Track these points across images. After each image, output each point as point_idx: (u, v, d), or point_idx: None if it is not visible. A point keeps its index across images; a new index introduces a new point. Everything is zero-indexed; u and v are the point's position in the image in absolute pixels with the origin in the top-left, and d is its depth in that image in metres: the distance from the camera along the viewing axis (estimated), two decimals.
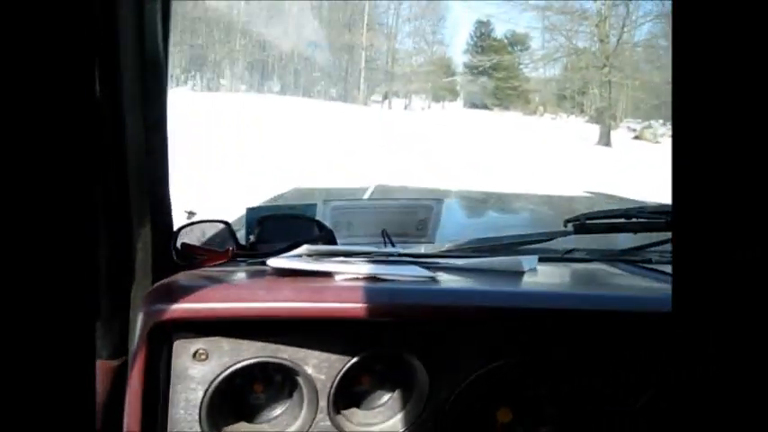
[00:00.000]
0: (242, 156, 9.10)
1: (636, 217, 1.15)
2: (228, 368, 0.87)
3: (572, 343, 0.93)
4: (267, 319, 0.85)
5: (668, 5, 22.70)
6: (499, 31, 44.54)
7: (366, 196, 2.05)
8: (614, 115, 27.39)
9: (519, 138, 21.72)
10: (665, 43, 22.22)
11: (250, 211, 1.10)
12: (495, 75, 38.64)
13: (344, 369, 0.90)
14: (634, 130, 29.70)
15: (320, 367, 0.89)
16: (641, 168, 14.51)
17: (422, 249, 1.18)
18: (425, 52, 45.29)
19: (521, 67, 42.42)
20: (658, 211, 1.14)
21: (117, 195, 0.85)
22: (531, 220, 2.19)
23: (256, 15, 34.83)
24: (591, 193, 2.46)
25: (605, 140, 22.12)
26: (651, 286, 1.04)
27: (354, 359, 0.90)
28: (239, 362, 0.87)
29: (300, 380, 0.90)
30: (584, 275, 1.15)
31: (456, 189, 4.47)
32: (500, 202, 2.54)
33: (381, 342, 0.91)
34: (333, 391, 0.90)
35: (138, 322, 0.82)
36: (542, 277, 1.07)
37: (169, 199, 0.94)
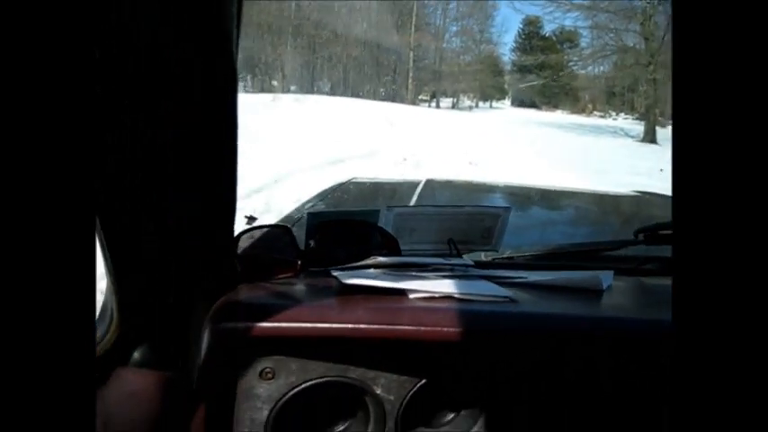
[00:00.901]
0: (292, 152, 9.24)
1: None
2: (295, 387, 0.84)
3: (646, 365, 0.87)
4: (337, 339, 0.81)
5: None
6: (547, 28, 44.05)
7: (417, 190, 2.00)
8: (660, 112, 26.77)
9: (564, 134, 21.52)
10: None
11: (311, 215, 1.05)
12: (543, 73, 38.00)
13: (414, 390, 0.86)
14: None
15: (389, 387, 0.85)
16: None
17: (486, 257, 1.14)
18: (473, 51, 45.23)
19: (569, 64, 41.68)
20: None
21: (180, 199, 0.81)
22: (583, 220, 2.14)
23: (306, 18, 35.19)
24: (640, 192, 2.43)
25: (650, 137, 21.70)
26: None
27: (424, 380, 0.86)
28: (306, 381, 0.84)
29: (368, 400, 0.87)
30: (660, 293, 1.06)
31: (504, 184, 4.38)
32: (551, 199, 2.46)
33: (453, 364, 0.87)
34: (401, 411, 0.87)
35: (204, 338, 0.79)
36: (621, 296, 1.01)
37: (234, 204, 0.87)
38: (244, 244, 0.97)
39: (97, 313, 0.88)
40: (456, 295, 0.88)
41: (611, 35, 25.52)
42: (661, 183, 10.03)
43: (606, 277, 1.00)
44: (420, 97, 42.17)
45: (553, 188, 2.60)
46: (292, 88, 33.11)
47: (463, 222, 1.14)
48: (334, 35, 36.69)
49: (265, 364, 0.83)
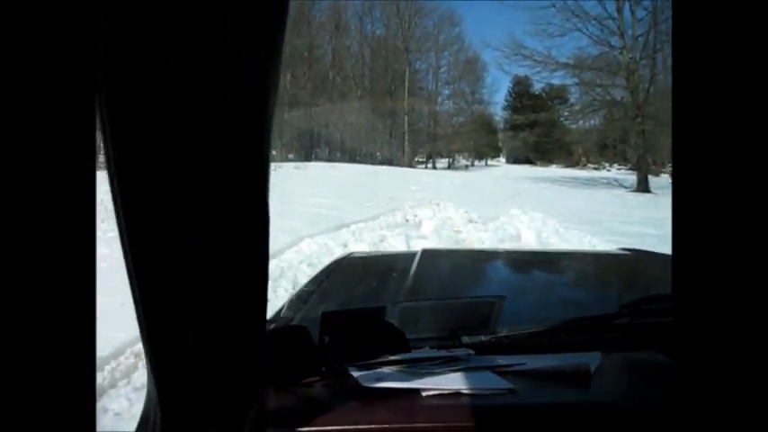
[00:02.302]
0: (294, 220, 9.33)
1: None
2: None
3: None
4: None
5: None
6: (536, 86, 44.75)
7: (415, 262, 2.08)
8: (651, 162, 27.03)
9: (559, 188, 21.71)
10: None
11: (325, 315, 1.14)
12: (536, 129, 38.49)
13: None
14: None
15: None
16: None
17: (485, 338, 1.23)
18: (465, 112, 46.06)
19: (560, 119, 42.19)
20: None
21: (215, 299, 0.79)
22: (574, 284, 2.22)
23: (302, 87, 35.90)
24: (627, 250, 2.70)
25: (644, 186, 21.89)
26: None
27: None
28: None
29: None
30: (646, 370, 1.14)
31: (502, 249, 4.53)
32: (543, 262, 2.57)
33: None
34: None
35: None
36: (609, 378, 1.09)
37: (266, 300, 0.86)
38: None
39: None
40: (463, 390, 0.97)
41: (599, 90, 25.97)
42: (655, 230, 10.09)
43: (593, 360, 1.08)
44: (416, 159, 42.68)
45: (543, 251, 2.78)
46: (290, 156, 33.49)
47: (462, 312, 1.27)
48: (330, 103, 37.38)
49: None
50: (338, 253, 6.70)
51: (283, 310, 1.56)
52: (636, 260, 2.45)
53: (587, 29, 24.69)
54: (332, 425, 0.88)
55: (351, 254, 2.56)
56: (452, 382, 1.00)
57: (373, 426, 0.88)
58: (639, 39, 23.81)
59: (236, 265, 0.74)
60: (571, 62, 25.82)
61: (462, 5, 59.39)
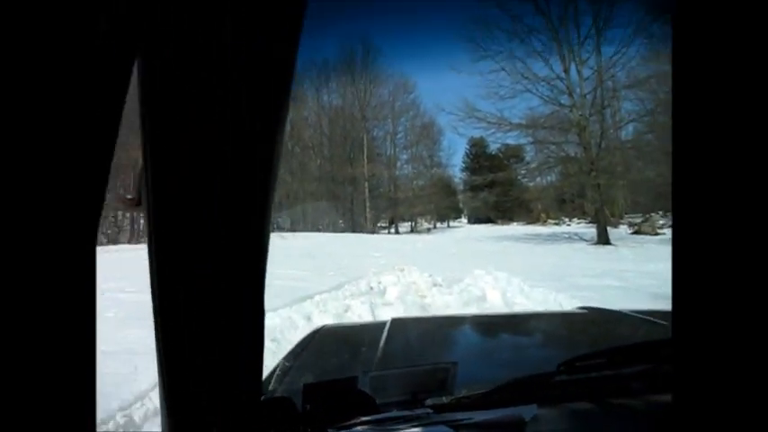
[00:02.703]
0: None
1: (618, 356, 1.39)
2: None
3: None
4: None
5: (649, 104, 23.59)
6: (492, 147, 45.88)
7: (385, 331, 2.27)
8: (609, 214, 27.61)
9: (522, 245, 21.88)
10: (653, 139, 22.80)
11: (307, 386, 1.25)
12: (494, 189, 39.16)
13: None
14: (634, 225, 29.99)
15: None
16: (638, 261, 14.98)
17: (445, 399, 1.39)
18: (425, 175, 46.64)
19: (518, 178, 43.21)
20: (636, 350, 1.42)
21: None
22: (532, 343, 2.49)
23: None
24: (585, 308, 3.01)
25: (604, 239, 22.21)
26: None
27: None
28: None
29: None
30: (576, 417, 1.31)
31: (460, 315, 4.76)
32: (502, 324, 2.85)
33: None
34: None
35: None
36: (542, 424, 1.24)
37: (261, 375, 0.95)
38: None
39: None
40: None
41: (553, 147, 26.58)
42: (618, 282, 10.16)
43: (529, 411, 1.26)
44: (379, 224, 42.87)
45: (502, 315, 3.18)
46: None
47: (423, 377, 1.48)
48: (289, 173, 37.55)
49: None
50: (302, 326, 6.62)
51: (271, 383, 1.72)
52: (589, 319, 2.69)
53: (537, 89, 25.41)
54: None
55: (323, 326, 2.74)
56: None
57: None
58: (588, 96, 24.57)
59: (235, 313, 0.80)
60: (524, 122, 26.50)
61: (416, 73, 61.14)
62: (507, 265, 12.70)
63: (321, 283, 10.88)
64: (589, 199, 28.30)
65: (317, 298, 8.95)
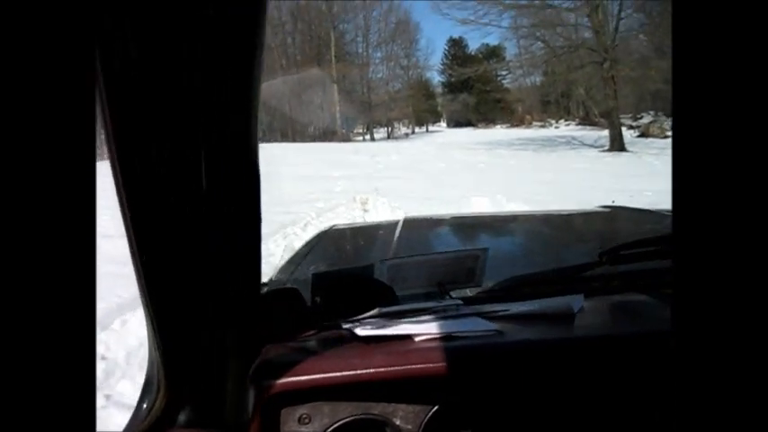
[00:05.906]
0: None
1: (662, 244, 1.21)
2: (329, 428, 0.95)
3: (622, 378, 0.99)
4: (361, 383, 0.93)
5: None
6: (472, 46, 41.93)
7: (397, 230, 1.95)
8: (597, 114, 23.86)
9: (520, 154, 17.91)
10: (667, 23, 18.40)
11: (315, 276, 1.17)
12: (475, 90, 35.36)
13: (428, 418, 0.97)
14: (632, 128, 25.61)
15: (407, 418, 0.97)
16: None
17: (471, 292, 1.25)
18: (401, 77, 42.46)
19: (499, 79, 40.10)
20: None
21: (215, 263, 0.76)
22: (556, 242, 2.04)
23: None
24: (609, 207, 2.48)
25: (619, 145, 18.11)
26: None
27: (435, 407, 0.97)
28: (337, 421, 0.95)
29: (389, 431, 0.97)
30: (626, 309, 1.19)
31: (478, 213, 4.51)
32: (525, 224, 2.45)
33: (459, 390, 0.98)
34: None
35: (250, 395, 0.89)
36: (591, 316, 1.12)
37: (260, 266, 0.84)
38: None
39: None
40: (453, 334, 1.02)
41: (541, 43, 22.38)
42: None
43: (577, 301, 1.12)
44: (356, 131, 38.67)
45: (525, 213, 3.00)
46: None
47: (448, 265, 1.28)
48: None
49: (302, 410, 0.96)
50: None
51: (275, 275, 1.64)
52: (615, 216, 2.49)
53: None
54: (331, 372, 0.92)
55: (331, 227, 2.56)
56: (443, 327, 1.03)
57: (371, 370, 0.92)
58: None
59: (230, 234, 0.75)
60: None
61: None
62: (513, 186, 8.72)
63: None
64: (576, 99, 24.90)
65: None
